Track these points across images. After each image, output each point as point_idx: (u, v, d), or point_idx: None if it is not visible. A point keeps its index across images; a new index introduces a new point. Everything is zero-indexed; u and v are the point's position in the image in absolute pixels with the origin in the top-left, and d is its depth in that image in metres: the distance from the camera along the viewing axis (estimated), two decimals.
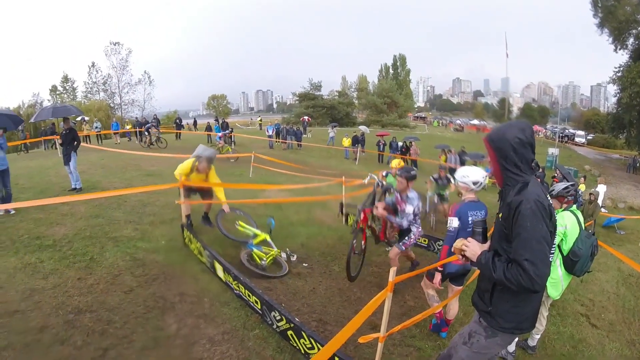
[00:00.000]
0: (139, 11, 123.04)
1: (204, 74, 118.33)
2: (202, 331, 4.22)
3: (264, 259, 5.99)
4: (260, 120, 49.46)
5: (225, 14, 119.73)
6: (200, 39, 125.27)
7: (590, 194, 12.12)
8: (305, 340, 3.74)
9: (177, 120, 29.85)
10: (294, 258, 6.53)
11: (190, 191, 6.75)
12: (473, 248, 2.38)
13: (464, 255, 2.44)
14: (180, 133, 27.83)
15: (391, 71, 74.36)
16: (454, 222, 4.08)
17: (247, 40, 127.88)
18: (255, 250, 6.11)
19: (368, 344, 3.74)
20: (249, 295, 4.59)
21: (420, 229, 5.67)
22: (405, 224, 5.49)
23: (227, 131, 24.59)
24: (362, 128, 31.29)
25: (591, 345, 5.32)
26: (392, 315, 3.25)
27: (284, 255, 6.44)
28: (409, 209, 5.47)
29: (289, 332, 3.95)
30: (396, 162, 7.71)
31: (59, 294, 4.46)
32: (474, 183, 4.20)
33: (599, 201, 12.39)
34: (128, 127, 27.68)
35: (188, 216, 6.61)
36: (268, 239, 6.51)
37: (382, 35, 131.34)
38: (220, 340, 4.08)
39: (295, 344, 3.91)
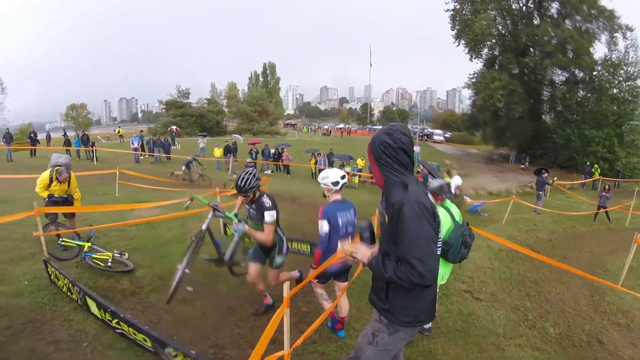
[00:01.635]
0: None
1: (60, 80, 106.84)
2: None
3: (109, 259, 5.91)
4: (120, 131, 46.28)
5: (83, 11, 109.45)
6: (56, 39, 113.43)
7: (456, 188, 13.22)
8: None
9: (32, 135, 25.24)
10: (125, 256, 6.30)
11: (50, 214, 6.30)
12: (363, 252, 2.39)
13: (355, 259, 2.45)
14: (35, 149, 24.06)
15: (261, 79, 74.64)
16: (324, 227, 4.20)
17: (108, 43, 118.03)
18: (93, 256, 5.92)
19: None
20: (134, 333, 4.09)
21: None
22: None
23: (195, 155, 22.08)
24: (235, 137, 31.01)
25: (480, 317, 5.80)
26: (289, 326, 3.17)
27: (117, 256, 6.20)
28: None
29: None
30: None
31: None
32: (334, 183, 4.34)
33: (459, 191, 13.62)
34: None
35: None
36: (91, 246, 6.25)
37: (251, 42, 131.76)
38: None
39: None
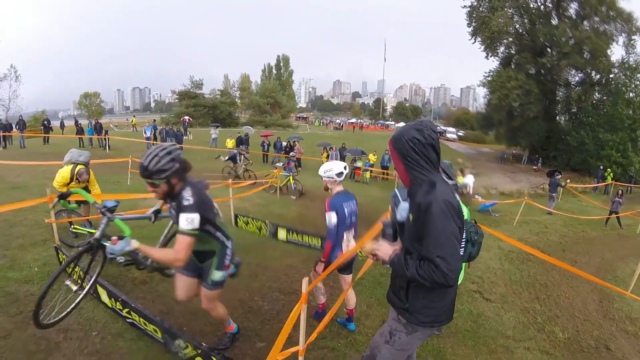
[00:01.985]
0: None
1: (75, 68, 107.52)
2: None
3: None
4: (134, 120, 46.50)
5: (99, 1, 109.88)
6: (71, 28, 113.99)
7: (463, 187, 13.19)
8: None
9: (45, 122, 25.99)
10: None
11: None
12: (384, 249, 2.35)
13: (375, 257, 2.41)
14: (48, 137, 24.44)
15: (274, 72, 74.33)
16: (332, 218, 4.18)
17: (122, 32, 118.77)
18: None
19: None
20: (145, 324, 4.07)
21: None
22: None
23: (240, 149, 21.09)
24: (246, 128, 31.05)
25: (490, 318, 5.79)
26: (299, 321, 3.16)
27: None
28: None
29: (197, 359, 3.63)
30: None
31: None
32: (338, 175, 4.35)
33: (470, 190, 13.57)
34: None
35: None
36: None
37: (265, 35, 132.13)
38: None
39: None
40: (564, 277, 8.03)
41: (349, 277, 4.61)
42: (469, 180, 13.59)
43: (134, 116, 49.67)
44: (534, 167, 33.46)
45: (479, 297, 6.58)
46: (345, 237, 4.34)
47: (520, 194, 21.61)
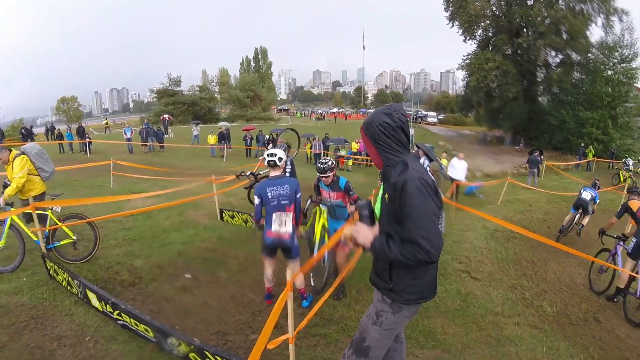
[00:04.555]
0: None
1: (49, 73, 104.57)
2: None
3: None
4: (107, 122, 46.00)
5: (70, 3, 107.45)
6: (42, 33, 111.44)
7: (434, 170, 13.31)
8: (211, 359, 3.49)
9: (23, 130, 25.62)
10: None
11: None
12: (364, 234, 2.36)
13: (356, 243, 2.41)
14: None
15: (252, 64, 73.42)
16: (255, 200, 4.69)
17: (97, 33, 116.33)
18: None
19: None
20: (136, 324, 4.08)
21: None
22: None
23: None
24: (223, 124, 31.00)
25: (478, 296, 5.89)
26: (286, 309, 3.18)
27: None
28: None
29: (191, 355, 3.64)
30: None
31: None
32: (280, 160, 4.81)
33: (462, 176, 13.73)
34: None
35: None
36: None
37: (242, 27, 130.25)
38: None
39: None
40: (550, 253, 8.17)
41: (292, 262, 4.82)
42: (461, 166, 13.74)
43: (106, 118, 48.98)
44: (517, 148, 33.88)
45: (466, 277, 6.68)
46: (275, 217, 4.65)
47: (504, 174, 21.86)
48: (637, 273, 5.84)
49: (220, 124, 34.84)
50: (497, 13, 35.75)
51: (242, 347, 4.18)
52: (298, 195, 4.78)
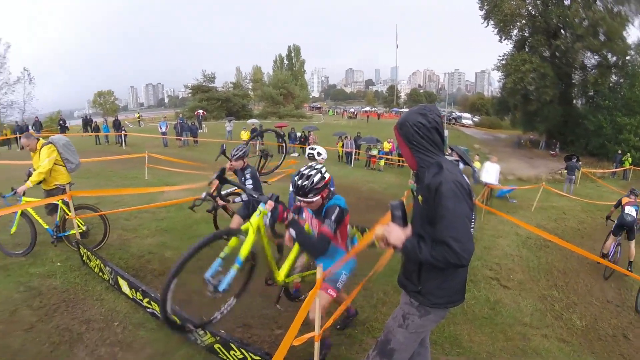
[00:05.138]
0: None
1: (87, 68, 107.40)
2: None
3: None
4: (139, 116, 47.04)
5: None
6: (83, 28, 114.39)
7: (467, 174, 13.16)
8: (236, 352, 3.53)
9: (61, 122, 26.98)
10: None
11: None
12: (396, 234, 2.33)
13: (387, 243, 2.37)
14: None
15: (286, 62, 73.64)
16: (290, 187, 4.81)
17: (133, 28, 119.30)
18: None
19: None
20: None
21: None
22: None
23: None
24: (253, 121, 31.49)
25: (507, 305, 5.77)
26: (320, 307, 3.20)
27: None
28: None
29: (216, 346, 3.71)
30: None
31: None
32: (319, 154, 5.39)
33: (495, 179, 13.56)
34: (6, 133, 24.59)
35: None
36: None
37: (276, 25, 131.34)
38: None
39: (224, 357, 3.68)
40: (583, 264, 7.97)
41: None
42: (494, 169, 13.56)
43: (139, 112, 50.11)
44: (552, 152, 32.97)
45: (496, 284, 6.57)
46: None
47: (538, 179, 21.38)
48: None
49: (250, 121, 35.21)
50: (534, 13, 34.77)
51: (266, 341, 4.23)
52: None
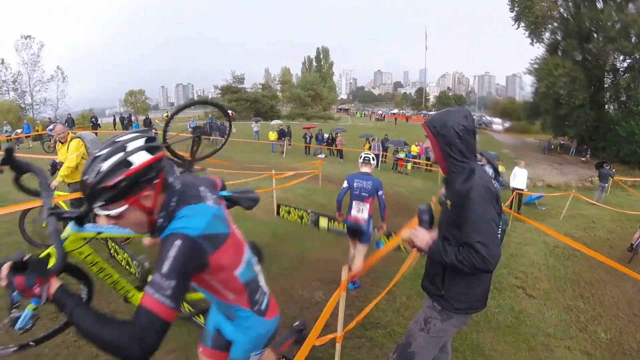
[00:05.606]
0: None
1: (119, 67, 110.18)
2: None
3: None
4: (167, 114, 47.60)
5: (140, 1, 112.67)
6: (115, 28, 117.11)
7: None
8: None
9: (93, 119, 27.83)
10: None
11: None
12: (422, 237, 2.35)
13: (413, 245, 2.42)
14: (96, 133, 25.47)
15: (314, 64, 74.00)
16: (343, 184, 5.58)
17: (164, 30, 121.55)
18: None
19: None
20: (189, 310, 4.29)
21: None
22: None
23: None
24: (276, 122, 31.99)
25: (532, 315, 5.70)
26: (337, 309, 3.24)
27: None
28: None
29: None
30: None
31: None
32: (362, 159, 5.66)
33: (524, 185, 13.44)
34: (38, 129, 25.36)
35: None
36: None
37: (305, 27, 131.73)
38: None
39: None
40: (610, 275, 7.80)
41: (360, 245, 5.60)
42: (522, 174, 13.41)
43: (167, 111, 51.05)
44: (582, 159, 32.25)
45: (521, 293, 6.50)
46: (354, 204, 5.47)
47: (568, 186, 20.97)
48: None
49: (273, 122, 35.77)
50: (566, 15, 34.13)
51: None
52: (380, 193, 5.40)
